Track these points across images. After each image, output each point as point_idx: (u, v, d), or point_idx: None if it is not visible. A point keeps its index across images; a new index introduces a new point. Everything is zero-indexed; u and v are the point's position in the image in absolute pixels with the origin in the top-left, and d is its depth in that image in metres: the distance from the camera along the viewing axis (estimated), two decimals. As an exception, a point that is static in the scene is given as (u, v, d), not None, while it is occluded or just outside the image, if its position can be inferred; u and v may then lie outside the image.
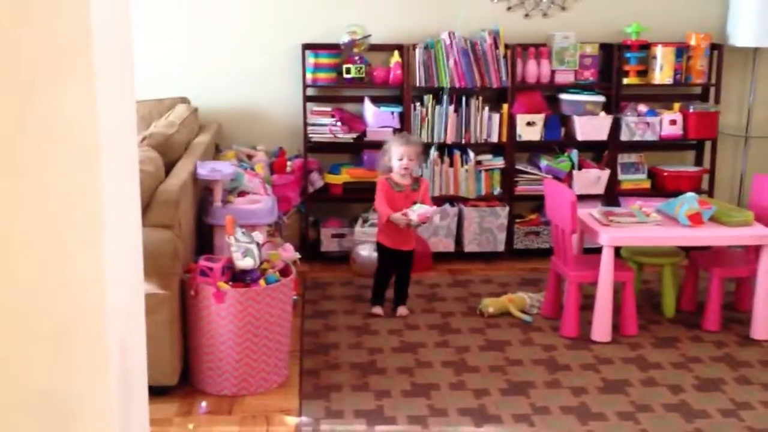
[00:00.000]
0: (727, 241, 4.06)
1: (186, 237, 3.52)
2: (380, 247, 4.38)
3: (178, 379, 3.43)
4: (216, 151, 4.99)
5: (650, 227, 4.08)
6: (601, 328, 4.00)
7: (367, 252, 5.03)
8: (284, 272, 3.60)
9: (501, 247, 5.32)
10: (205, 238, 3.94)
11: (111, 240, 1.44)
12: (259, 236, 3.52)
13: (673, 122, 5.32)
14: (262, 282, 3.42)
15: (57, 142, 1.35)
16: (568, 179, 5.31)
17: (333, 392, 3.47)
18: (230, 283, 3.40)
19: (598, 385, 3.56)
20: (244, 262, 3.38)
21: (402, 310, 4.35)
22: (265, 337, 3.41)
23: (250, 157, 5.17)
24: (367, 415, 3.28)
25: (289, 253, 3.68)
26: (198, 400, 3.38)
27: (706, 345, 4.00)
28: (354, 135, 5.19)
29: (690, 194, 4.28)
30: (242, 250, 3.39)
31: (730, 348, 3.97)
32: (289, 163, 5.17)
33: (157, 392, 3.36)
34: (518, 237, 5.35)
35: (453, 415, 3.29)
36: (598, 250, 4.03)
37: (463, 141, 5.25)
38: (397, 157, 4.23)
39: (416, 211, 4.15)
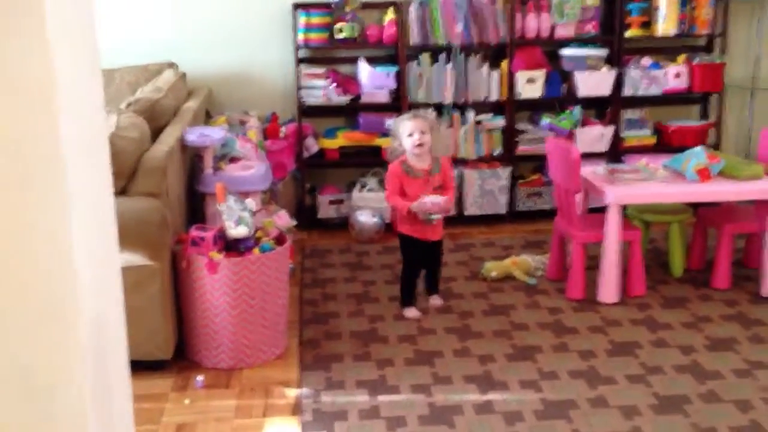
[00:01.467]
0: (737, 196, 3.92)
1: (175, 206, 3.39)
2: (403, 239, 3.76)
3: (174, 353, 3.32)
4: (207, 118, 4.83)
5: (657, 184, 3.94)
6: (608, 289, 3.88)
7: (365, 217, 4.90)
8: (280, 240, 3.47)
9: (503, 210, 5.18)
10: (196, 207, 3.81)
11: (78, 210, 1.31)
12: (252, 203, 3.39)
13: (677, 75, 5.16)
14: (256, 251, 3.29)
15: (10, 106, 1.21)
16: (570, 137, 5.16)
17: (334, 362, 3.36)
18: (223, 252, 3.27)
19: (606, 347, 3.45)
20: (237, 231, 3.25)
21: (435, 300, 3.88)
22: (261, 308, 3.29)
23: (242, 122, 5.01)
24: (370, 385, 3.18)
25: (284, 220, 3.55)
26: (195, 374, 3.27)
27: (717, 303, 3.88)
28: (349, 97, 5.03)
29: (698, 148, 4.13)
30: (235, 217, 3.26)
31: (741, 306, 3.85)
32: (282, 128, 5.02)
33: (152, 366, 3.27)
34: (520, 199, 5.22)
35: (458, 383, 3.18)
36: (602, 210, 3.90)
37: (462, 100, 5.09)
38: (406, 133, 3.62)
39: (428, 201, 3.59)
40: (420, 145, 3.61)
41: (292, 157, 5.07)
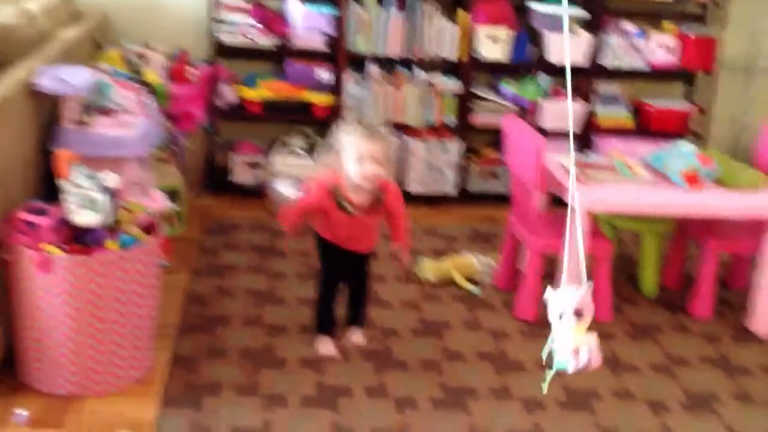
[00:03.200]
0: (733, 211, 3.19)
1: (8, 177, 2.52)
2: (322, 244, 2.85)
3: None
4: (96, 50, 3.91)
5: (636, 188, 3.20)
6: (566, 312, 3.14)
7: (285, 188, 4.07)
8: (150, 229, 2.64)
9: (451, 190, 4.40)
10: (53, 175, 2.93)
11: None
12: (112, 179, 2.53)
13: (665, 47, 4.39)
14: (112, 245, 2.46)
15: None
16: (535, 109, 4.38)
17: (208, 395, 2.58)
18: (66, 245, 2.43)
19: (558, 396, 2.74)
20: (84, 217, 2.41)
21: (357, 336, 2.95)
22: (114, 321, 2.48)
23: (144, 59, 4.10)
24: (248, 435, 2.41)
25: (158, 203, 2.71)
26: (21, 401, 2.46)
27: (695, 339, 3.19)
28: (276, 40, 4.15)
29: (687, 145, 3.39)
30: (80, 199, 2.41)
31: (724, 344, 3.17)
32: (192, 69, 4.12)
33: (-35, 387, 2.45)
34: (472, 177, 4.44)
35: (364, 440, 2.44)
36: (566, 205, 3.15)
37: (411, 55, 4.25)
38: (355, 156, 2.62)
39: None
40: (368, 178, 2.63)
41: (202, 106, 4.18)
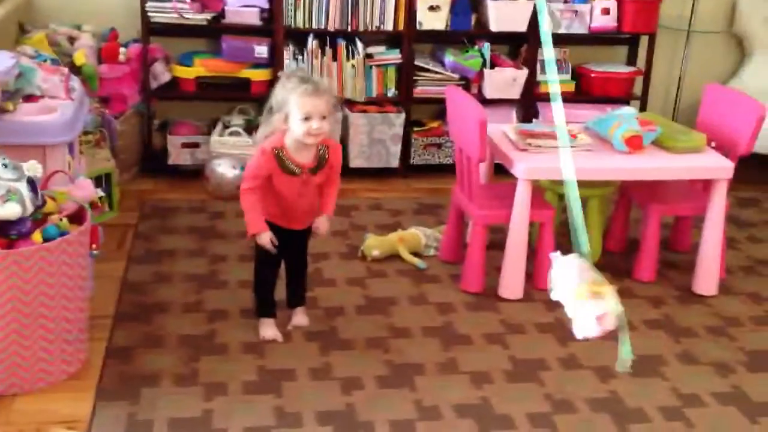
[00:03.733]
0: (673, 174, 3.18)
1: None
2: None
3: None
4: (20, 33, 3.75)
5: (578, 154, 3.16)
6: (512, 282, 3.13)
7: (224, 168, 3.97)
8: (78, 219, 2.54)
9: (395, 163, 4.35)
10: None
11: None
12: (35, 168, 2.42)
13: (606, 11, 4.37)
14: (36, 236, 2.36)
15: None
16: (478, 79, 4.34)
17: (146, 386, 2.50)
18: (-13, 239, 2.33)
19: (505, 367, 2.71)
20: (5, 210, 2.30)
21: (300, 317, 2.89)
22: (42, 316, 2.38)
23: (72, 40, 3.96)
24: (188, 426, 2.34)
25: (85, 191, 2.60)
26: (-54, 403, 2.37)
27: (641, 303, 3.19)
28: (208, 15, 4.03)
29: (628, 110, 3.39)
30: (2, 191, 2.30)
31: (669, 307, 3.17)
32: (123, 49, 3.99)
33: None
34: (416, 150, 4.39)
35: (309, 424, 2.38)
36: (509, 175, 3.13)
37: (350, 28, 4.15)
38: (301, 114, 2.51)
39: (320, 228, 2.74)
40: (316, 134, 2.54)
41: (135, 86, 4.08)
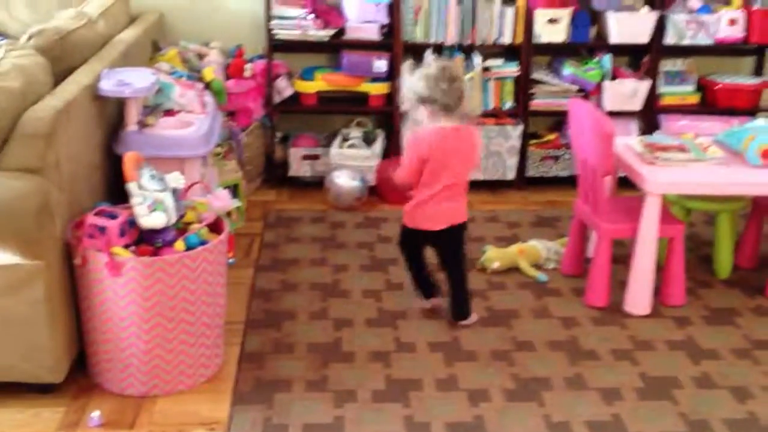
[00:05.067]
0: (813, 188, 3.05)
1: (75, 181, 2.54)
2: (403, 228, 2.98)
3: (74, 373, 2.54)
4: (154, 51, 3.93)
5: (710, 167, 3.08)
6: (640, 297, 3.06)
7: (343, 180, 4.05)
8: (216, 228, 2.64)
9: (511, 175, 4.33)
10: (118, 178, 2.96)
11: None
12: (177, 179, 2.54)
13: (732, 22, 4.22)
14: (179, 245, 2.47)
15: None
16: (597, 91, 4.27)
17: (279, 392, 2.57)
18: (134, 247, 2.45)
19: (636, 385, 2.65)
20: (152, 219, 2.42)
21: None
22: (183, 321, 2.48)
23: (201, 56, 4.12)
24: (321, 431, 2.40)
25: (222, 201, 2.70)
26: (95, 402, 2.49)
27: (775, 322, 3.07)
28: (331, 31, 4.12)
29: (762, 122, 3.26)
30: (149, 201, 2.42)
31: (805, 326, 3.04)
32: (249, 65, 4.13)
33: (42, 390, 2.49)
34: (533, 162, 4.36)
35: (438, 434, 2.40)
36: (632, 186, 3.08)
37: (468, 41, 4.17)
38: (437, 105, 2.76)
39: None
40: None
41: (260, 101, 4.20)
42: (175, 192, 2.50)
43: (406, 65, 2.83)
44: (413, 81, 2.75)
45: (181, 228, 2.55)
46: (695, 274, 3.39)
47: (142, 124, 2.90)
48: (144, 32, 3.75)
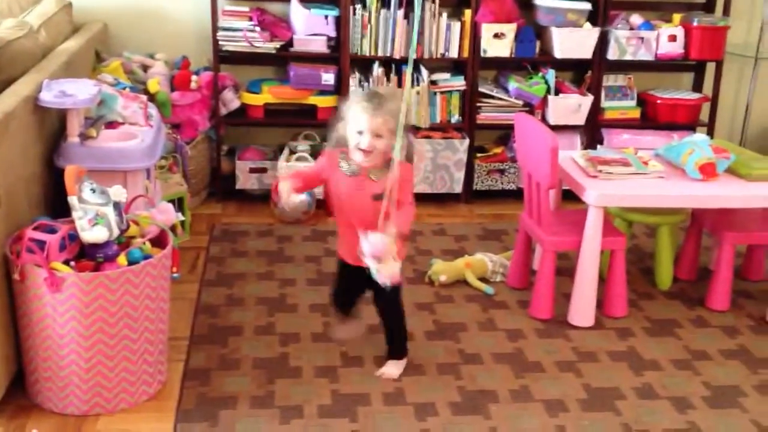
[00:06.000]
0: (750, 201, 3.12)
1: (13, 195, 2.48)
2: (339, 262, 2.78)
3: (7, 393, 2.47)
4: (97, 61, 3.87)
5: (651, 181, 3.15)
6: (583, 310, 3.11)
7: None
8: (160, 242, 2.60)
9: (458, 188, 4.36)
10: (60, 191, 2.90)
11: None
12: (120, 193, 2.49)
13: (672, 38, 4.33)
14: (121, 260, 2.42)
15: None
16: (542, 105, 4.34)
17: (224, 408, 2.54)
18: (75, 262, 2.39)
19: (579, 396, 2.69)
20: (93, 234, 2.37)
21: (389, 368, 2.76)
22: (125, 337, 2.43)
23: (146, 68, 4.07)
24: (267, 448, 2.37)
25: (166, 215, 2.66)
26: (33, 422, 2.42)
27: (715, 332, 3.14)
28: (277, 44, 4.11)
29: (701, 137, 3.36)
30: (91, 215, 2.37)
31: (743, 336, 3.12)
32: (194, 77, 4.09)
33: (-24, 409, 2.41)
34: (479, 175, 4.39)
35: (385, 449, 2.39)
36: (576, 198, 3.13)
37: (415, 56, 4.20)
38: (355, 128, 2.49)
39: (372, 245, 2.39)
40: (367, 151, 2.48)
41: (205, 113, 4.16)
42: (117, 206, 2.46)
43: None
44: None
45: (123, 242, 2.51)
46: (637, 286, 3.46)
47: (84, 137, 2.85)
48: (87, 43, 3.69)
